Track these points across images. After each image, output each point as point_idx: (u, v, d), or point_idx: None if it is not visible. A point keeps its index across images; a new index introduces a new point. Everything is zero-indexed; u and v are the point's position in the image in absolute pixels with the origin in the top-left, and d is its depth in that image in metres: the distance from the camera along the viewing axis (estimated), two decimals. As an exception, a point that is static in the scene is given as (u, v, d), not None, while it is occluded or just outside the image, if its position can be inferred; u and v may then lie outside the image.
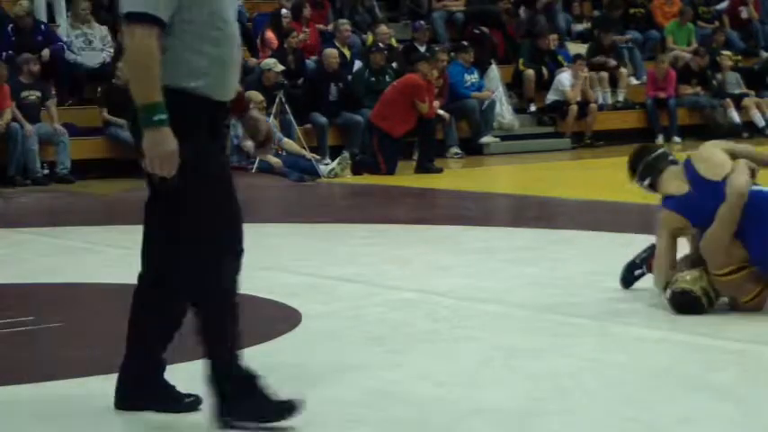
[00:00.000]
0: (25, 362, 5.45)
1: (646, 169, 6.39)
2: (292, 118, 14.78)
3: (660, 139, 17.72)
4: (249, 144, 12.65)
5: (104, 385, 4.56)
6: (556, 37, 18.78)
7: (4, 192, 13.24)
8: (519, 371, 5.00)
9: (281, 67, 14.91)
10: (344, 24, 17.03)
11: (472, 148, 16.69)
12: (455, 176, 14.48)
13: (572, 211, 11.02)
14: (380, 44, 16.80)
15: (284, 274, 7.37)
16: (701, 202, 6.05)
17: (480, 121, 16.87)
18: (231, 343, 4.19)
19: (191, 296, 4.22)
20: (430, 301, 6.51)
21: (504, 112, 17.58)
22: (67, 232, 9.81)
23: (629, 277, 6.65)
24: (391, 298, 6.64)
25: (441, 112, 15.63)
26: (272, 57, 15.43)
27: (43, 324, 6.11)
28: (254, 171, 13.67)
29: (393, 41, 17.35)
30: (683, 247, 6.30)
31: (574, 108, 17.68)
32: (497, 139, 17.13)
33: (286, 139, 14.31)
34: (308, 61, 16.46)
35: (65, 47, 15.24)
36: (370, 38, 17.36)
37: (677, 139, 18.18)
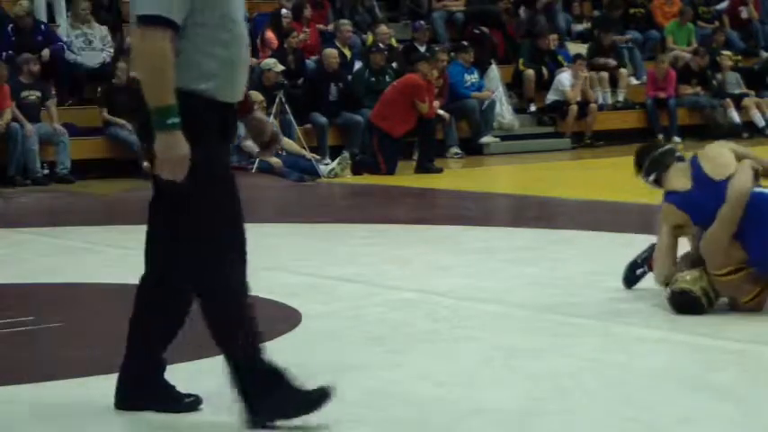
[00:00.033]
0: (25, 362, 5.46)
1: (652, 164, 6.40)
2: (292, 118, 14.78)
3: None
4: (250, 144, 12.65)
5: (104, 385, 4.56)
6: (556, 37, 18.79)
7: (4, 192, 13.24)
8: (519, 371, 5.00)
9: (281, 67, 14.91)
10: (345, 25, 17.03)
11: (472, 148, 16.69)
12: (455, 176, 14.48)
13: (572, 211, 11.02)
14: (380, 44, 16.80)
15: (284, 274, 7.37)
16: (702, 200, 6.05)
17: (480, 121, 16.87)
18: (244, 340, 4.18)
19: (198, 293, 4.22)
20: (430, 301, 6.51)
21: (504, 112, 17.58)
22: (67, 232, 9.82)
23: (631, 277, 6.65)
24: (391, 298, 6.64)
25: (441, 112, 15.63)
26: (272, 57, 15.43)
27: (43, 324, 6.12)
28: (254, 171, 13.67)
29: (393, 41, 17.34)
30: (684, 246, 6.30)
31: (574, 108, 17.68)
32: (497, 139, 17.13)
33: (286, 139, 14.30)
34: (308, 61, 16.46)
35: (65, 47, 15.25)
36: (370, 38, 17.36)
37: (677, 139, 18.16)
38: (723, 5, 21.69)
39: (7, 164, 13.81)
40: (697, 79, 19.03)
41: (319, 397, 4.16)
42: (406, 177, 14.07)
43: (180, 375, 4.51)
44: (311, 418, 4.15)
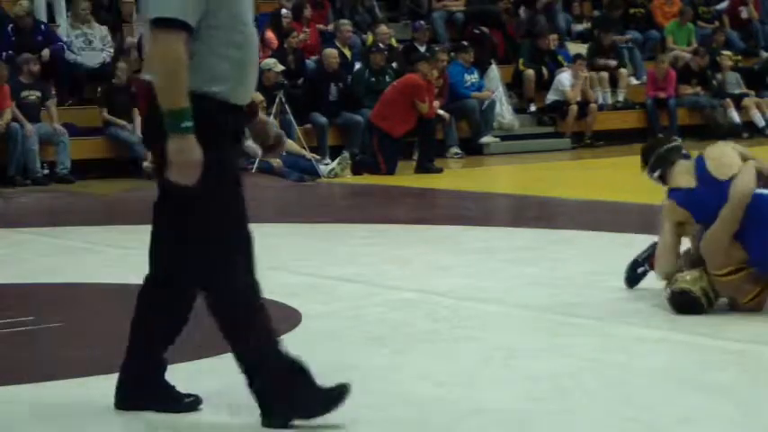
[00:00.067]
0: (25, 362, 5.46)
1: (657, 161, 6.41)
2: (292, 118, 14.77)
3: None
4: (251, 145, 12.65)
5: (104, 385, 4.56)
6: (556, 37, 18.78)
7: (4, 192, 13.24)
8: (519, 371, 5.00)
9: (281, 67, 14.91)
10: (346, 25, 17.03)
11: (472, 148, 16.68)
12: (455, 176, 14.48)
13: (572, 211, 11.02)
14: (380, 44, 16.80)
15: (284, 274, 7.37)
16: (705, 198, 6.05)
17: (480, 121, 16.87)
18: (255, 341, 4.17)
19: (207, 295, 4.21)
20: (430, 301, 6.51)
21: (504, 112, 17.58)
22: (67, 232, 9.82)
23: (632, 276, 6.65)
24: (391, 298, 6.64)
25: (441, 112, 15.63)
26: (272, 57, 15.42)
27: (43, 324, 6.12)
28: (254, 171, 13.67)
29: (393, 41, 17.34)
30: (685, 245, 6.30)
31: (574, 108, 17.68)
32: (497, 139, 17.12)
33: (285, 137, 14.30)
34: (308, 61, 16.46)
35: (65, 47, 15.25)
36: (370, 38, 17.36)
37: (677, 139, 18.16)
38: (723, 5, 21.69)
39: (7, 164, 13.81)
40: (697, 79, 19.03)
41: (339, 395, 4.16)
42: (406, 177, 14.07)
43: (180, 375, 4.51)
44: (327, 418, 4.15)
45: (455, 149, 16.40)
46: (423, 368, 5.05)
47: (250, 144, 12.85)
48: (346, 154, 14.63)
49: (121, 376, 4.44)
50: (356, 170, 14.39)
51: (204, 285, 4.19)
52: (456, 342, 5.57)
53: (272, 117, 14.06)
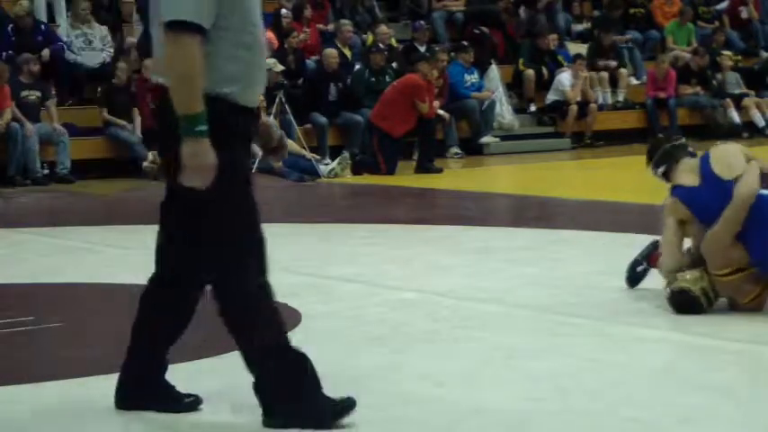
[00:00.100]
0: (25, 362, 5.46)
1: (662, 157, 6.40)
2: (292, 118, 14.78)
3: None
4: (252, 146, 12.64)
5: (104, 385, 4.56)
6: (556, 37, 18.78)
7: (4, 192, 13.24)
8: (519, 371, 5.00)
9: (281, 67, 14.91)
10: (346, 25, 17.03)
11: (472, 148, 16.68)
12: (455, 176, 14.48)
13: (572, 211, 11.02)
14: (380, 44, 16.80)
15: (284, 274, 7.35)
16: (708, 198, 6.05)
17: (480, 121, 16.87)
18: (263, 343, 4.17)
19: (218, 297, 4.21)
20: (430, 301, 6.51)
21: (504, 112, 17.58)
22: (67, 232, 9.81)
23: (633, 275, 6.65)
24: (391, 298, 6.64)
25: (441, 112, 15.63)
26: (272, 57, 15.42)
27: (43, 324, 6.11)
28: (254, 171, 13.67)
29: (393, 41, 17.34)
30: (685, 244, 6.30)
31: (574, 108, 17.68)
32: (497, 139, 17.13)
33: (286, 138, 14.30)
34: (308, 61, 16.46)
35: (65, 47, 15.25)
36: (370, 38, 17.36)
37: (677, 139, 18.18)
38: (723, 5, 21.69)
39: (7, 164, 13.81)
40: (697, 79, 19.03)
41: (343, 409, 4.18)
42: (406, 177, 14.07)
43: (180, 375, 4.51)
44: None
45: (455, 149, 16.40)
46: (423, 368, 5.05)
47: (251, 145, 12.86)
48: (346, 154, 14.63)
49: (122, 376, 4.44)
50: (356, 170, 14.40)
51: (217, 287, 4.18)
52: (456, 342, 5.57)
53: (272, 117, 14.06)
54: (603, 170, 14.82)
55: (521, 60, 18.29)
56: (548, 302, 6.39)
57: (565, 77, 17.87)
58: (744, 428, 4.23)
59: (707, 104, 18.88)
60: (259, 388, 4.19)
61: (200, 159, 3.95)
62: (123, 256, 8.25)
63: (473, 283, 7.06)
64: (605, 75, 18.59)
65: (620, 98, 18.72)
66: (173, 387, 4.44)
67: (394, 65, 16.54)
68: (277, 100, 14.53)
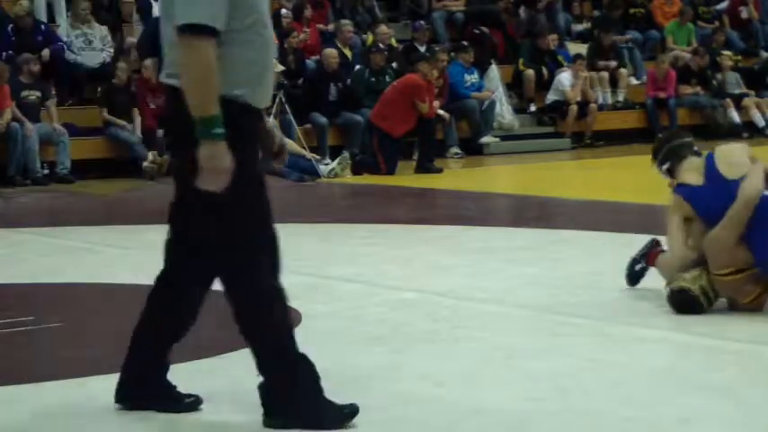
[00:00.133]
0: (25, 362, 5.46)
1: (668, 154, 6.40)
2: (292, 118, 14.78)
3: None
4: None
5: (104, 385, 4.56)
6: (556, 37, 18.78)
7: (4, 192, 13.24)
8: (519, 371, 5.00)
9: (281, 68, 14.90)
10: (347, 25, 17.03)
11: (472, 148, 16.69)
12: (455, 176, 14.48)
13: (572, 211, 11.02)
14: (380, 44, 16.80)
15: (284, 274, 7.35)
16: (712, 197, 6.04)
17: (480, 121, 16.87)
18: (273, 342, 4.17)
19: (231, 296, 4.20)
20: (430, 301, 6.51)
21: (504, 112, 17.58)
22: (67, 232, 9.81)
23: (632, 273, 6.66)
24: (391, 298, 6.64)
25: (441, 112, 15.63)
26: (272, 57, 15.41)
27: (43, 324, 6.11)
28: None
29: (393, 41, 17.35)
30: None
31: (574, 108, 17.68)
32: (497, 139, 17.13)
33: (286, 140, 14.30)
34: (308, 61, 16.46)
35: (65, 47, 15.25)
36: (370, 38, 17.36)
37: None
38: (723, 5, 21.69)
39: (7, 164, 13.81)
40: (697, 79, 19.03)
41: (346, 415, 4.18)
42: (406, 177, 14.07)
43: (180, 375, 4.51)
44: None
45: (455, 149, 16.41)
46: (423, 368, 5.05)
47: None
48: (346, 154, 14.63)
49: (123, 376, 4.44)
50: (356, 170, 14.40)
51: (230, 287, 4.18)
52: (456, 342, 5.57)
53: (272, 117, 14.06)
54: (603, 170, 14.82)
55: (521, 60, 18.29)
56: (548, 302, 6.39)
57: (565, 77, 17.87)
58: (744, 428, 4.23)
59: (707, 104, 18.88)
60: (264, 387, 4.19)
61: (216, 162, 3.95)
62: (123, 256, 8.24)
63: (473, 283, 7.06)
64: (605, 75, 18.59)
65: (620, 98, 18.72)
66: (174, 387, 4.44)
67: (394, 65, 16.54)
68: (277, 100, 14.52)
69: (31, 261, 8.39)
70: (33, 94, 14.35)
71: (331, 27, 17.50)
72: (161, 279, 4.39)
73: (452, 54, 17.05)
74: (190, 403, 4.41)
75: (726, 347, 5.40)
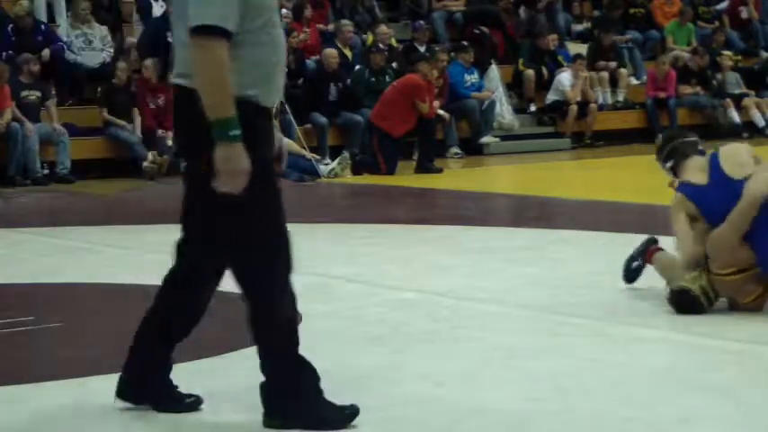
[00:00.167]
0: (25, 362, 5.46)
1: (672, 151, 6.40)
2: (292, 118, 14.78)
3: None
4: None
5: (104, 385, 4.56)
6: (556, 37, 18.79)
7: (4, 192, 13.24)
8: (519, 371, 5.00)
9: (281, 67, 14.89)
10: (347, 25, 17.03)
11: (472, 148, 16.69)
12: (455, 176, 14.48)
13: (572, 211, 11.02)
14: (380, 44, 16.80)
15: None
16: (716, 197, 6.04)
17: (480, 121, 16.88)
18: (280, 343, 4.17)
19: (246, 296, 4.21)
20: (430, 301, 6.51)
21: (504, 112, 17.58)
22: (67, 232, 9.81)
23: (629, 271, 6.66)
24: (391, 298, 6.64)
25: (441, 112, 15.63)
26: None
27: (43, 324, 6.11)
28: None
29: (393, 41, 17.35)
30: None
31: (574, 108, 17.68)
32: (497, 139, 17.13)
33: (286, 140, 14.31)
34: (308, 61, 16.46)
35: (65, 47, 15.25)
36: (370, 38, 17.36)
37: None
38: (723, 5, 21.70)
39: (7, 164, 13.81)
40: (697, 79, 19.03)
41: (347, 416, 4.18)
42: (406, 177, 14.07)
43: (180, 375, 4.51)
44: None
45: (455, 149, 16.41)
46: (423, 368, 5.05)
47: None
48: (346, 154, 14.63)
49: (124, 375, 4.44)
50: (356, 170, 14.40)
51: (246, 288, 4.18)
52: (456, 342, 5.57)
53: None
54: (603, 170, 14.82)
55: (521, 60, 18.30)
56: (548, 302, 6.39)
57: (565, 77, 17.87)
58: (744, 428, 4.23)
59: (707, 104, 18.88)
60: (265, 387, 4.19)
61: (233, 164, 3.94)
62: (123, 256, 8.24)
63: (473, 283, 7.06)
64: (605, 75, 18.59)
65: (620, 98, 18.72)
66: (175, 387, 4.44)
67: (394, 65, 16.54)
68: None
69: (31, 261, 8.39)
70: (33, 94, 14.35)
71: (331, 27, 17.50)
72: (170, 280, 4.38)
73: (452, 54, 17.05)
74: (190, 403, 4.41)
75: (726, 347, 5.40)
